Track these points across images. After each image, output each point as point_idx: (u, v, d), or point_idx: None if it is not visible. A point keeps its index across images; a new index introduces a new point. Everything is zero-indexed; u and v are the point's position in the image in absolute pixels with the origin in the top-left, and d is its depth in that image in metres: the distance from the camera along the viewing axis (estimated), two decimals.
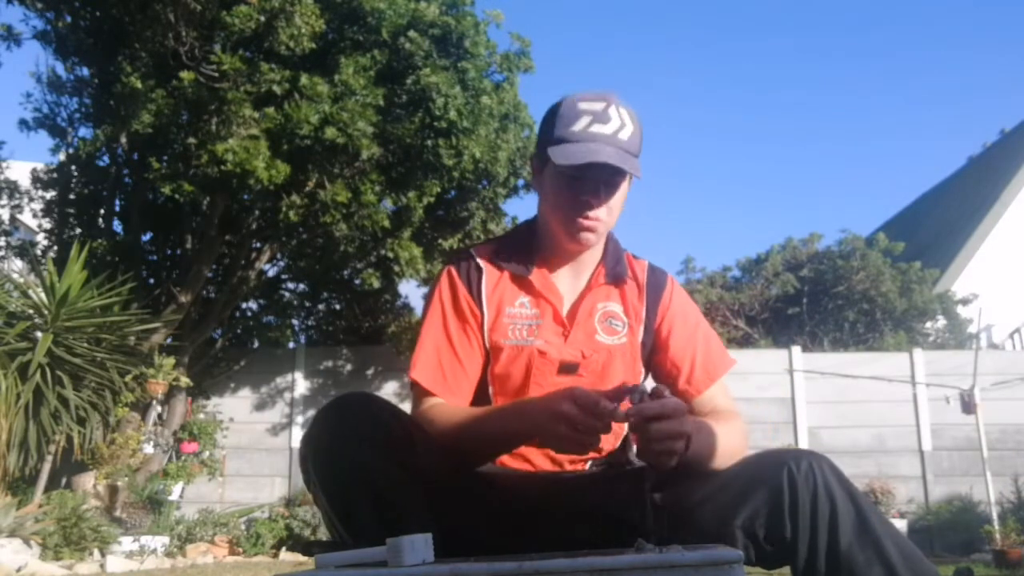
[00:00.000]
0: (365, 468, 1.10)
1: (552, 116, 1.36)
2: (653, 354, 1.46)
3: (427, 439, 1.22)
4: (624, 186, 1.37)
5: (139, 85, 5.84)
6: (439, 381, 1.35)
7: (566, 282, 1.44)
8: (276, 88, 5.94)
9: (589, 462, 1.40)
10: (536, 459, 1.37)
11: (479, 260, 1.43)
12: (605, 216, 1.36)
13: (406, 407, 1.23)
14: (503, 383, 1.38)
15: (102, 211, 7.55)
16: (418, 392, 1.37)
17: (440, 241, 7.38)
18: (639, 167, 1.31)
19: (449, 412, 1.32)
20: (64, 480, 6.40)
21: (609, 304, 1.43)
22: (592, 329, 1.41)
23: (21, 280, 6.63)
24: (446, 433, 1.26)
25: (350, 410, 1.14)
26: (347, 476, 1.11)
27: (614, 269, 1.44)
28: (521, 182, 7.31)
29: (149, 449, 6.85)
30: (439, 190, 6.54)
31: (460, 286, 1.40)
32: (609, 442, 1.41)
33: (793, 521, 1.12)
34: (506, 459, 1.36)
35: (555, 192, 1.37)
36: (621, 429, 1.41)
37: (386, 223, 6.42)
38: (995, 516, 6.14)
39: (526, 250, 1.44)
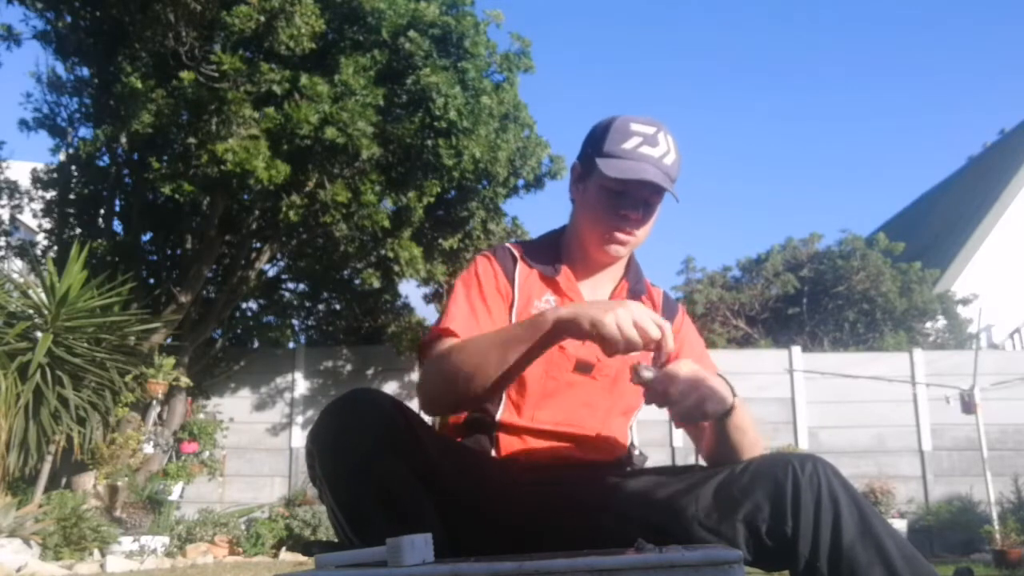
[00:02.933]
0: (371, 464, 1.11)
1: (603, 131, 1.42)
2: None
3: (433, 434, 1.23)
4: (659, 208, 1.44)
5: (139, 85, 5.84)
6: (472, 326, 1.36)
7: (588, 292, 1.49)
8: (276, 88, 5.94)
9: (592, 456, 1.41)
10: (541, 444, 1.37)
11: (515, 252, 1.49)
12: (638, 233, 1.43)
13: (409, 406, 1.22)
14: None
15: (102, 211, 7.55)
16: (443, 339, 1.34)
17: (440, 241, 7.38)
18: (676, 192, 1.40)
19: (472, 338, 1.32)
20: (64, 480, 6.40)
21: None
22: None
23: (21, 280, 6.64)
24: (472, 344, 1.26)
25: (357, 406, 1.16)
26: (353, 472, 1.12)
27: (635, 287, 1.51)
28: (521, 182, 7.31)
29: (149, 449, 6.85)
30: (439, 190, 6.54)
31: (498, 267, 1.45)
32: (616, 434, 1.43)
33: (795, 520, 1.14)
34: (512, 451, 1.36)
35: (596, 202, 1.43)
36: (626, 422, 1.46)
37: (386, 223, 6.42)
38: (995, 516, 6.14)
39: (554, 255, 1.50)
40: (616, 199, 1.40)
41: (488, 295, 1.41)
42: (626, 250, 1.45)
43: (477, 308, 1.39)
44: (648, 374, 1.18)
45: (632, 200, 1.39)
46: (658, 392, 1.17)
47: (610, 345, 1.12)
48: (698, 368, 1.20)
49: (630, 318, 1.11)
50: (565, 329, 1.17)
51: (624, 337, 1.11)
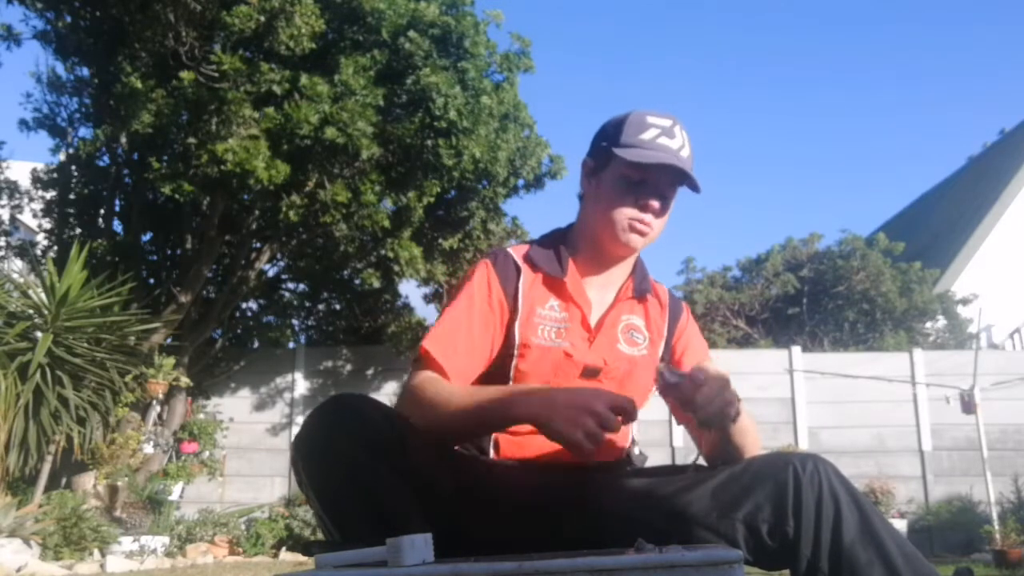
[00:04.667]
0: (355, 468, 1.11)
1: (620, 124, 1.41)
2: None
3: (417, 437, 1.22)
4: (673, 202, 1.43)
5: (139, 85, 5.84)
6: (450, 356, 1.34)
7: (594, 292, 1.47)
8: (276, 88, 5.94)
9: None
10: (543, 445, 1.37)
11: (517, 259, 1.46)
12: (655, 224, 1.41)
13: (396, 411, 1.22)
14: (526, 380, 1.39)
15: (102, 211, 7.55)
16: (424, 363, 1.35)
17: (440, 241, 7.38)
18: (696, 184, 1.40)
19: (448, 384, 1.31)
20: (64, 480, 6.40)
21: (632, 318, 1.48)
22: (615, 339, 1.44)
23: (21, 280, 6.63)
24: (440, 398, 1.25)
25: (340, 411, 1.15)
26: (337, 476, 1.12)
27: (640, 285, 1.50)
28: (521, 182, 7.31)
29: (149, 449, 6.85)
30: (439, 190, 6.54)
31: (496, 281, 1.42)
32: (619, 436, 1.43)
33: (796, 520, 1.14)
34: (513, 452, 1.36)
35: (612, 192, 1.41)
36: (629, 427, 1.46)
37: (386, 223, 6.42)
38: (995, 516, 6.14)
39: (562, 253, 1.47)
40: (634, 188, 1.38)
41: (477, 312, 1.38)
42: (643, 241, 1.42)
43: (461, 327, 1.36)
44: (674, 379, 1.18)
45: (651, 188, 1.38)
46: (685, 397, 1.17)
47: (583, 455, 1.13)
48: (722, 372, 1.20)
49: (597, 423, 1.12)
50: (534, 427, 1.18)
51: (595, 444, 1.12)
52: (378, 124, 6.09)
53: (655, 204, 1.39)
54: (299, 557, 6.28)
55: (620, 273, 1.49)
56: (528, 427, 1.32)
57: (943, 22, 33.41)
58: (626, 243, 1.41)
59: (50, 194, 7.54)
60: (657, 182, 1.38)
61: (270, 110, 5.93)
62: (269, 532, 6.56)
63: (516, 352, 1.39)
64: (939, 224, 13.86)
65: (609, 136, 1.42)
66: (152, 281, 7.49)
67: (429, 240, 7.35)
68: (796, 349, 8.00)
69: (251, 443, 7.81)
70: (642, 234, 1.40)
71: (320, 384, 8.07)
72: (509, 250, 1.48)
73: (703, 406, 1.16)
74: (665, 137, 1.37)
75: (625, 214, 1.39)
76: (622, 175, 1.38)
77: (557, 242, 1.50)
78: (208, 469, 7.31)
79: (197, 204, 6.86)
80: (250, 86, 5.92)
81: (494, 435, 1.35)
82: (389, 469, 1.11)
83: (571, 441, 1.11)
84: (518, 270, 1.44)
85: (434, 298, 8.44)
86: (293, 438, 1.20)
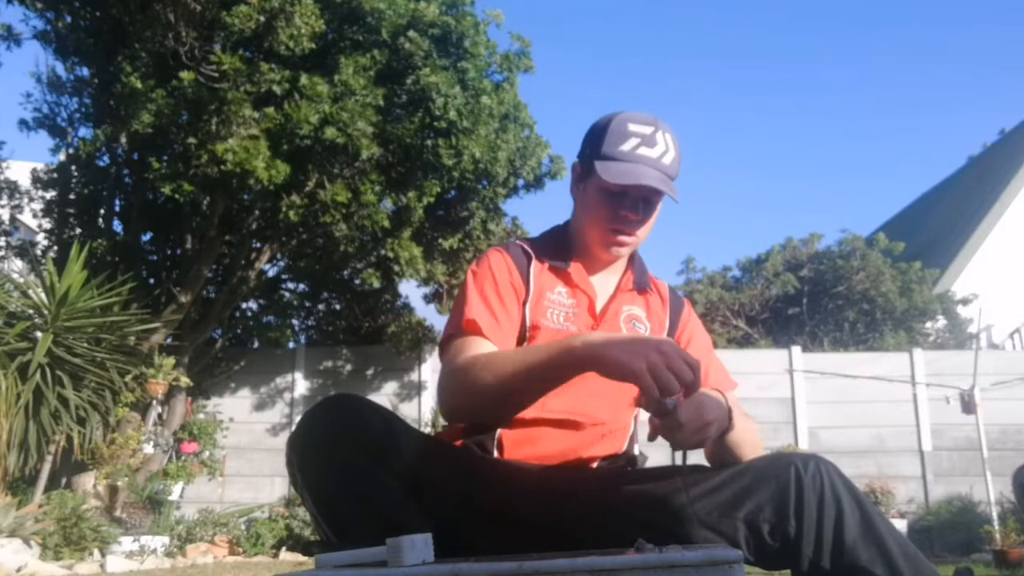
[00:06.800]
0: (352, 469, 1.11)
1: (601, 131, 1.41)
2: None
3: (419, 437, 1.22)
4: (659, 207, 1.45)
5: (139, 85, 5.84)
6: (494, 326, 1.35)
7: (596, 282, 1.49)
8: (276, 88, 5.94)
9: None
10: (549, 435, 1.36)
11: (526, 247, 1.49)
12: (639, 232, 1.43)
13: (405, 407, 1.22)
14: None
15: (102, 211, 7.55)
16: (465, 338, 1.33)
17: (440, 241, 7.38)
18: (676, 191, 1.39)
19: (498, 350, 1.30)
20: (64, 480, 6.40)
21: (634, 308, 1.50)
22: (617, 328, 1.46)
23: (21, 280, 6.64)
24: (497, 363, 1.23)
25: (333, 411, 1.16)
26: (334, 477, 1.12)
27: (640, 278, 1.52)
28: (521, 182, 7.31)
29: (149, 449, 6.85)
30: (439, 190, 6.54)
31: (511, 263, 1.44)
32: (622, 426, 1.44)
33: (798, 519, 1.14)
34: (517, 445, 1.35)
35: (595, 204, 1.42)
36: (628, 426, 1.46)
37: (386, 223, 6.42)
38: (995, 516, 6.14)
39: (563, 248, 1.50)
40: (616, 200, 1.40)
41: (503, 291, 1.40)
42: (627, 250, 1.45)
43: (493, 304, 1.38)
44: (672, 404, 1.09)
45: (632, 201, 1.39)
46: (677, 423, 1.09)
47: (647, 394, 1.04)
48: (713, 397, 1.18)
49: (663, 363, 1.04)
50: (594, 368, 1.11)
51: (660, 386, 1.03)
52: (378, 124, 6.09)
53: (635, 217, 1.40)
54: (299, 557, 6.28)
55: (618, 267, 1.52)
56: (537, 413, 1.32)
57: (943, 22, 33.42)
58: (609, 253, 1.44)
59: (50, 194, 7.54)
60: (637, 193, 1.39)
61: (270, 110, 5.93)
62: (269, 532, 6.56)
63: (527, 334, 1.40)
64: (939, 224, 13.86)
65: (592, 145, 1.43)
66: (152, 281, 7.49)
67: (429, 240, 7.35)
68: (796, 349, 8.00)
69: (251, 443, 7.82)
70: (623, 244, 1.43)
71: (320, 384, 8.07)
72: (517, 242, 1.51)
73: (682, 441, 1.10)
74: (645, 147, 1.37)
75: (607, 226, 1.42)
76: (602, 187, 1.40)
77: (556, 238, 1.53)
78: (208, 469, 7.31)
79: (197, 204, 6.87)
80: (250, 86, 5.92)
81: (498, 433, 1.35)
82: (387, 470, 1.11)
83: (632, 371, 1.03)
84: (528, 257, 1.47)
85: (434, 298, 8.44)
86: (287, 438, 1.20)
